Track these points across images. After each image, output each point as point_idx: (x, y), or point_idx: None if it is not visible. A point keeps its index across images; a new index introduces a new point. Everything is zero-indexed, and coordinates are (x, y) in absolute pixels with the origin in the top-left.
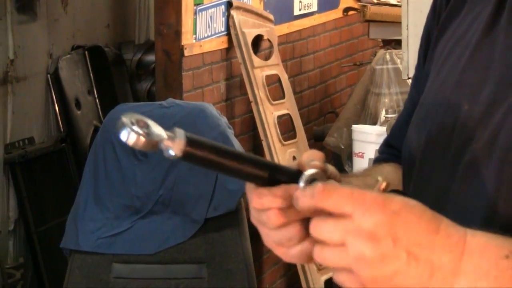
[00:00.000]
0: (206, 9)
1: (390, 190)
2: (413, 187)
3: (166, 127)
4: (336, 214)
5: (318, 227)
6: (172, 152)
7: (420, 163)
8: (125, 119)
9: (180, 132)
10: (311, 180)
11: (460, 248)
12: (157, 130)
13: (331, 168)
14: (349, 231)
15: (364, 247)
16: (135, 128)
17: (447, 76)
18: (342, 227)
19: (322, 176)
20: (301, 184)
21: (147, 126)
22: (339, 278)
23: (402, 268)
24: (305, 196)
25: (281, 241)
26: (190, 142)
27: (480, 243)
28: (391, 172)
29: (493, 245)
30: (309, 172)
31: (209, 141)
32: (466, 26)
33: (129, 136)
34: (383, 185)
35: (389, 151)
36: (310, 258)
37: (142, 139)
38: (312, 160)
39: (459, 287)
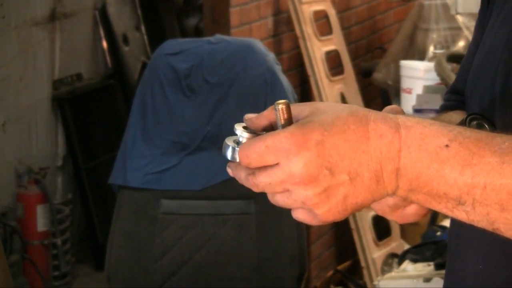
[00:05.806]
0: None
1: (473, 115)
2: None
3: (214, 63)
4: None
5: (257, 183)
6: None
7: (479, 104)
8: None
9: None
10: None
11: (396, 146)
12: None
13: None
14: (285, 181)
15: (305, 191)
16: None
17: (507, 16)
18: (277, 178)
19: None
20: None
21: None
22: (297, 216)
23: (349, 189)
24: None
25: (397, 204)
26: None
27: (416, 136)
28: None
29: (431, 135)
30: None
31: None
32: None
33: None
34: (281, 107)
35: (455, 98)
36: (425, 213)
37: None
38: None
39: (404, 184)
